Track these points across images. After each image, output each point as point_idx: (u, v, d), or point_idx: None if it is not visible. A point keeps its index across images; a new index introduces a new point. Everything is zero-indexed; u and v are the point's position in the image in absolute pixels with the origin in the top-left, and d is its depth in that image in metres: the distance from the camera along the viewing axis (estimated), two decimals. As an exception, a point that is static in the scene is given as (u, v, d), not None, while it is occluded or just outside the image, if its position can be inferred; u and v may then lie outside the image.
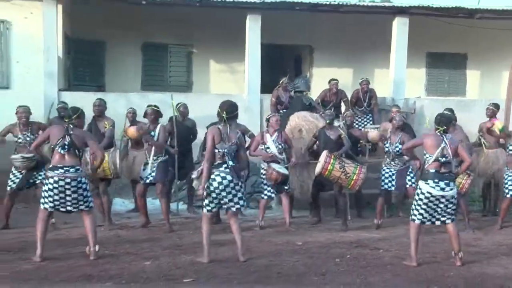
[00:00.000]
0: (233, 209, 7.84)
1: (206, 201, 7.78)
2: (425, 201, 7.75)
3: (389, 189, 10.81)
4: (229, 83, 15.95)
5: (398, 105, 13.19)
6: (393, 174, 10.68)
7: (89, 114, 10.46)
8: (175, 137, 10.80)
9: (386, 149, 10.74)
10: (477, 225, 10.91)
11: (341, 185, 10.47)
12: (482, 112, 12.55)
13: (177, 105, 11.32)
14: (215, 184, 7.59)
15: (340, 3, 14.49)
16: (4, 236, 9.37)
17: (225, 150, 7.61)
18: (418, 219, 7.90)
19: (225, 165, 7.61)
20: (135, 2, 13.72)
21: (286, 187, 10.61)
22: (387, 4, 15.57)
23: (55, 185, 7.60)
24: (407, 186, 10.69)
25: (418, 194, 7.87)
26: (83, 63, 15.50)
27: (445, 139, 7.79)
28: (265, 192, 10.55)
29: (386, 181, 10.74)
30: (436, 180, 7.66)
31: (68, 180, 7.59)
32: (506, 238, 9.98)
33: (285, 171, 10.25)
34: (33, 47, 13.47)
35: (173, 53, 16.33)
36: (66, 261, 7.74)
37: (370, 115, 13.39)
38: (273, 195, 10.64)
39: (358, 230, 10.35)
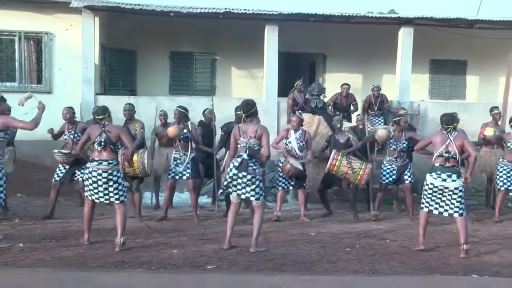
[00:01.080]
0: (252, 199, 7.87)
1: (228, 189, 7.92)
2: (430, 191, 7.92)
3: (388, 183, 10.85)
4: (249, 87, 15.95)
5: (404, 107, 13.16)
6: (393, 170, 10.70)
7: (122, 117, 10.68)
8: (213, 136, 10.93)
9: (393, 147, 10.72)
10: (476, 217, 10.84)
11: (349, 180, 10.47)
12: (480, 114, 12.58)
13: (203, 111, 11.37)
14: (229, 173, 7.72)
15: (351, 14, 14.52)
16: (48, 225, 9.42)
17: (244, 144, 7.69)
18: (425, 207, 8.08)
19: (239, 158, 7.70)
20: (164, 14, 13.78)
21: (304, 184, 10.68)
22: (393, 15, 15.58)
23: (89, 175, 7.73)
24: (406, 182, 10.69)
25: (424, 185, 8.05)
26: (117, 70, 15.59)
27: (450, 136, 7.89)
28: (281, 184, 10.60)
29: (386, 176, 10.77)
30: (439, 172, 7.80)
31: (99, 172, 7.69)
32: (502, 229, 9.98)
33: (299, 166, 10.22)
34: (73, 56, 13.56)
35: (198, 60, 16.35)
36: (101, 249, 7.79)
37: (381, 117, 13.35)
38: (290, 187, 10.66)
39: (366, 222, 10.34)
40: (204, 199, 12.10)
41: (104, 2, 14.13)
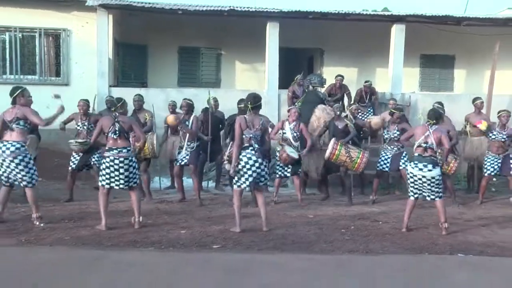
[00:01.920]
0: (261, 184, 7.97)
1: (236, 179, 7.88)
2: (411, 179, 8.14)
3: (383, 170, 10.87)
4: (252, 80, 15.93)
5: (395, 99, 13.17)
6: (388, 158, 10.72)
7: (132, 107, 10.77)
8: (209, 125, 10.85)
9: (386, 135, 10.75)
10: (462, 201, 10.85)
11: (347, 168, 10.48)
12: (467, 105, 12.52)
13: (208, 99, 11.38)
14: (242, 163, 7.69)
15: (347, 12, 14.49)
16: (66, 207, 9.50)
17: (251, 135, 7.71)
18: (411, 195, 8.25)
19: (251, 148, 7.70)
20: (172, 12, 13.76)
21: (299, 171, 10.67)
22: (386, 13, 15.52)
23: (111, 163, 7.78)
24: (400, 168, 10.68)
25: (407, 174, 8.33)
26: (129, 64, 15.59)
27: (430, 129, 8.06)
28: (278, 172, 10.60)
29: (382, 163, 10.81)
30: (416, 162, 8.01)
31: (121, 159, 7.77)
32: (485, 212, 9.99)
33: (295, 155, 10.21)
34: (89, 50, 13.57)
35: (204, 55, 16.34)
36: (115, 229, 7.84)
37: (370, 108, 13.38)
38: (288, 174, 10.63)
39: (360, 205, 10.37)
40: (210, 183, 12.13)
41: (117, 0, 14.09)
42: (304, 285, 5.61)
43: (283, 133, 10.47)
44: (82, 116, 10.24)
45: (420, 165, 7.93)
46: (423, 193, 8.15)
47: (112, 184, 7.92)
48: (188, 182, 11.24)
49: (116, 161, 7.79)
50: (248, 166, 7.73)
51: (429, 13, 14.63)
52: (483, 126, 11.03)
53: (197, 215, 9.00)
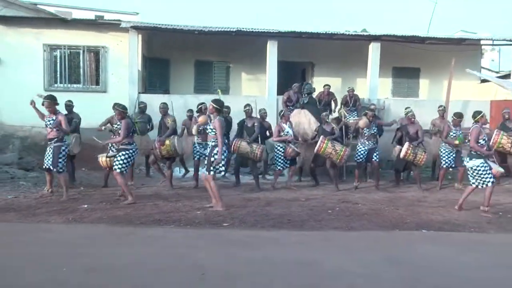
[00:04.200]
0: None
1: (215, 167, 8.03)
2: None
3: (361, 161, 10.87)
4: (255, 88, 15.87)
5: (374, 103, 13.15)
6: (366, 151, 10.70)
7: (158, 110, 10.96)
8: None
9: (366, 132, 10.73)
10: (426, 187, 10.85)
11: (332, 160, 10.48)
12: (430, 109, 12.59)
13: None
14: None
15: (333, 32, 14.44)
16: (104, 192, 9.55)
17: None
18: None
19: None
20: (190, 32, 13.75)
21: (296, 162, 10.76)
22: (365, 33, 15.41)
23: (134, 154, 8.56)
24: (373, 160, 10.73)
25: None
26: (154, 74, 15.53)
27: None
28: (279, 166, 10.59)
29: (360, 155, 10.79)
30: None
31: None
32: (444, 196, 9.99)
33: (298, 150, 10.43)
34: (122, 64, 13.54)
35: (216, 67, 16.26)
36: (143, 210, 7.89)
37: (354, 111, 13.29)
38: (287, 166, 10.62)
39: (344, 191, 10.34)
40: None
41: (145, 23, 14.16)
42: (297, 256, 5.62)
43: (286, 132, 10.46)
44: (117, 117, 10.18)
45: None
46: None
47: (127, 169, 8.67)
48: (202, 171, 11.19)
49: (135, 154, 8.62)
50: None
51: (399, 33, 14.57)
52: (459, 140, 11.07)
53: (210, 199, 8.90)
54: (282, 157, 10.47)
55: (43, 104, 8.87)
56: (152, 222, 7.16)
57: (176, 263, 5.19)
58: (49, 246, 5.81)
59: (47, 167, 8.86)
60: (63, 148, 8.89)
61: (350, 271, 5.06)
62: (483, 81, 16.70)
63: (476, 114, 8.43)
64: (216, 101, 7.98)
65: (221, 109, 7.98)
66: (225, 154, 8.03)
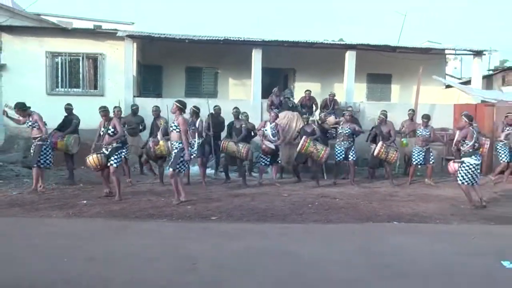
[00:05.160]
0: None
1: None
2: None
3: (339, 160, 10.92)
4: (241, 92, 15.84)
5: (351, 106, 13.23)
6: (342, 151, 10.79)
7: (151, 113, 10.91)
8: (210, 126, 10.73)
9: (340, 131, 10.86)
10: (397, 182, 10.94)
11: (313, 158, 10.54)
12: (401, 112, 12.69)
13: (214, 106, 11.27)
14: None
15: (313, 41, 14.50)
16: (102, 188, 9.07)
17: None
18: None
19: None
20: (181, 41, 13.71)
21: (278, 160, 10.75)
22: (342, 42, 15.51)
23: (126, 150, 8.95)
24: (350, 159, 10.80)
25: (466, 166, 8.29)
26: (148, 79, 15.42)
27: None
28: (262, 162, 10.63)
29: (338, 154, 10.86)
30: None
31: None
32: (413, 191, 10.08)
33: (272, 146, 10.33)
34: (118, 69, 13.45)
35: (205, 73, 16.20)
36: (137, 205, 7.88)
37: (333, 114, 13.28)
38: (268, 163, 10.61)
39: (323, 187, 10.36)
40: (208, 171, 12.02)
41: (140, 32, 14.09)
42: (280, 246, 5.67)
43: (265, 130, 10.50)
44: (117, 119, 10.11)
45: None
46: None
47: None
48: (193, 169, 11.20)
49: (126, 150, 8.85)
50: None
51: (373, 43, 14.68)
52: (403, 143, 11.27)
53: (200, 195, 8.97)
54: (262, 154, 10.53)
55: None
56: (146, 216, 7.15)
57: (169, 254, 5.22)
58: (51, 238, 5.80)
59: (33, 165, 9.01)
60: (44, 146, 9.00)
61: (327, 259, 5.13)
62: (447, 86, 16.86)
63: (467, 116, 8.39)
64: (179, 101, 8.09)
65: (183, 108, 8.06)
66: (193, 149, 8.32)
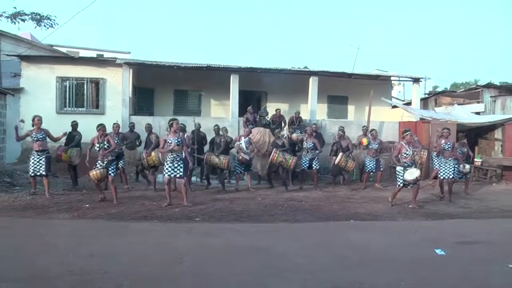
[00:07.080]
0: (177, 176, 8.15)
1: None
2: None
3: (305, 168, 10.95)
4: (221, 111, 15.85)
5: (315, 123, 13.32)
6: (307, 161, 10.85)
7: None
8: (195, 140, 10.75)
9: (305, 145, 10.93)
10: (354, 187, 11.09)
11: (283, 167, 10.60)
12: (355, 128, 12.88)
13: (196, 125, 11.24)
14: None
15: (282, 68, 14.68)
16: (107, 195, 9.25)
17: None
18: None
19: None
20: (171, 67, 13.69)
21: (251, 169, 10.78)
22: (306, 69, 15.70)
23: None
24: (313, 168, 10.88)
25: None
26: (142, 100, 15.29)
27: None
28: (238, 170, 10.64)
29: (303, 164, 10.92)
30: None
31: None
32: (367, 194, 10.22)
33: (247, 157, 10.35)
34: (117, 91, 13.36)
35: (191, 95, 16.14)
36: (133, 208, 7.79)
37: (299, 129, 13.36)
38: (243, 171, 10.61)
39: (291, 191, 10.38)
40: (193, 178, 11.96)
41: (135, 60, 14.03)
42: (254, 242, 5.70)
43: (240, 144, 10.53)
44: (115, 134, 10.00)
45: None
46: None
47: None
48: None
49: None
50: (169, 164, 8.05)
51: (332, 70, 14.90)
52: (365, 141, 11.46)
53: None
54: (238, 164, 10.55)
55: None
56: (140, 218, 7.08)
57: (160, 250, 5.20)
58: (58, 237, 5.74)
59: (40, 173, 8.94)
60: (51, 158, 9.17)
61: (294, 253, 5.18)
62: (394, 107, 17.17)
63: (403, 132, 8.69)
64: (179, 123, 8.28)
65: (184, 128, 8.58)
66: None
